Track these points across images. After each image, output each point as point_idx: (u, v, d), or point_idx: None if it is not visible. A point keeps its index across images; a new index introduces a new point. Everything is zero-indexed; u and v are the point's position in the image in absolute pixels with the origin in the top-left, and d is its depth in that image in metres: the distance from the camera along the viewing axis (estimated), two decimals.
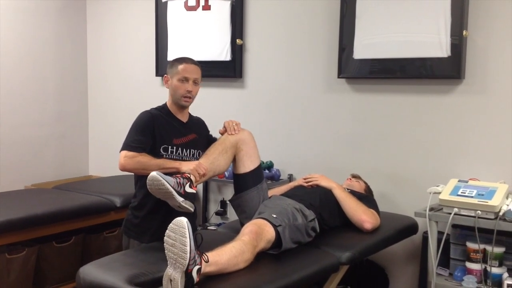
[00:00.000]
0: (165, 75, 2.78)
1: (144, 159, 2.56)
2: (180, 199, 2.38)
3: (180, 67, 2.71)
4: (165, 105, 2.80)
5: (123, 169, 2.61)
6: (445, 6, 3.06)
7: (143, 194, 2.67)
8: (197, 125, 2.89)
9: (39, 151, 4.45)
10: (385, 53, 3.28)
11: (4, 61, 4.15)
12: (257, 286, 2.11)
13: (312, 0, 3.60)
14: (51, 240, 3.38)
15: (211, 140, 2.89)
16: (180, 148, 2.71)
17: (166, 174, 2.42)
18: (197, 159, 2.77)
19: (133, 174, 2.74)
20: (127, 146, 2.62)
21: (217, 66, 3.98)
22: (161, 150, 2.66)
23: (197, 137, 2.81)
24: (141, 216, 2.69)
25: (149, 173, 2.45)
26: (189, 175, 2.47)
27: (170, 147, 2.68)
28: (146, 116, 2.69)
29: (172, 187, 2.35)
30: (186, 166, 2.53)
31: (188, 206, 2.41)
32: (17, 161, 4.27)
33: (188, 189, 2.42)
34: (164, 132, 2.67)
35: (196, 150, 2.78)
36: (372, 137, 3.43)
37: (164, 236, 2.02)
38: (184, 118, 2.80)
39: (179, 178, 2.41)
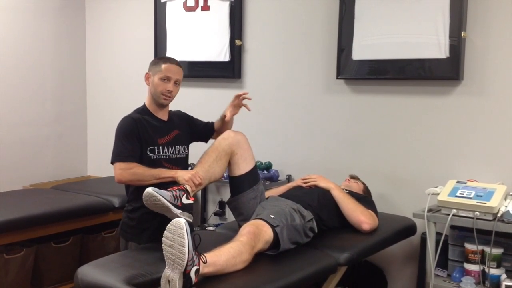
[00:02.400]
0: (147, 72, 2.78)
1: (139, 170, 2.57)
2: (177, 211, 2.37)
3: (164, 66, 2.73)
4: (144, 106, 2.80)
5: (119, 182, 2.63)
6: (444, 7, 3.06)
7: (135, 198, 2.67)
8: (177, 119, 2.89)
9: (37, 151, 4.45)
10: (384, 54, 3.28)
11: (2, 61, 4.15)
12: (255, 287, 2.11)
13: (311, 1, 3.60)
14: (49, 240, 3.37)
15: (196, 123, 2.93)
16: (166, 147, 2.72)
17: (162, 184, 2.44)
18: (183, 154, 2.79)
19: None
20: (118, 157, 2.62)
21: (216, 66, 3.98)
22: (148, 152, 2.66)
23: (180, 133, 2.82)
24: (137, 218, 2.69)
25: (145, 184, 2.46)
26: (185, 187, 2.47)
27: (156, 147, 2.69)
28: (129, 122, 2.68)
29: (169, 201, 2.35)
30: (182, 177, 2.52)
31: (186, 217, 2.39)
32: (16, 161, 4.27)
33: (185, 200, 2.42)
34: (147, 134, 2.68)
35: (181, 146, 2.79)
36: (370, 138, 3.43)
37: (162, 236, 2.02)
38: (164, 117, 2.80)
39: (175, 191, 2.41)
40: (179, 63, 2.81)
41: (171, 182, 2.53)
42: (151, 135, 2.69)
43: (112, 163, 2.65)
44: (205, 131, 2.98)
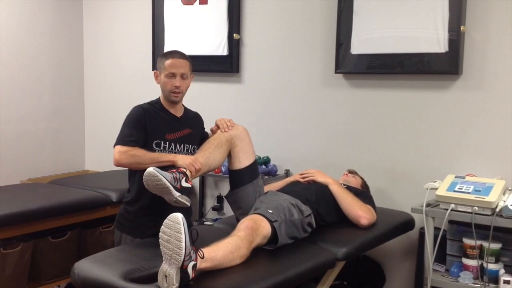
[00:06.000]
0: (155, 70, 2.76)
1: (139, 153, 2.55)
2: (176, 194, 2.37)
3: (167, 62, 2.68)
4: (158, 99, 2.77)
5: (117, 164, 2.60)
6: (443, 1, 3.05)
7: (136, 189, 2.66)
8: (193, 120, 2.86)
9: (35, 146, 4.44)
10: (383, 48, 3.26)
11: None
12: (253, 282, 2.10)
13: None
14: (47, 235, 3.36)
15: (204, 137, 2.87)
16: (173, 143, 2.69)
17: (161, 168, 2.41)
18: (192, 154, 2.75)
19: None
20: (120, 141, 2.61)
21: (214, 61, 3.96)
22: (154, 145, 2.64)
23: (192, 132, 2.79)
24: (135, 211, 2.68)
25: (143, 167, 2.44)
26: (184, 170, 2.46)
27: (162, 142, 2.66)
28: (138, 110, 2.67)
29: (169, 182, 2.34)
30: (182, 160, 2.52)
31: (185, 200, 2.41)
32: (13, 156, 4.26)
33: (184, 183, 2.42)
34: (156, 127, 2.65)
35: (190, 145, 2.76)
36: (369, 133, 3.43)
37: (159, 231, 2.01)
38: (178, 113, 2.78)
39: (175, 173, 2.40)
40: (184, 56, 2.76)
41: (169, 167, 2.51)
42: (159, 128, 2.66)
43: (114, 146, 2.62)
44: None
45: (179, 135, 2.73)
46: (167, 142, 2.68)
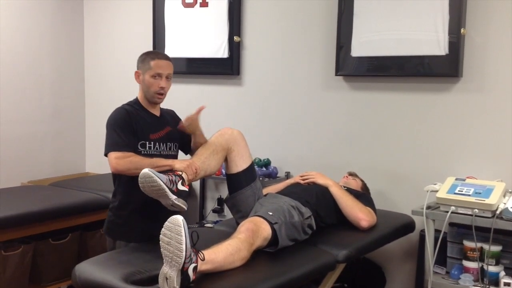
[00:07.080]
0: (136, 70, 2.71)
1: (136, 158, 2.51)
2: (173, 197, 2.33)
3: (153, 63, 2.65)
4: (136, 100, 2.74)
5: (115, 171, 2.56)
6: (443, 4, 3.05)
7: (123, 193, 2.64)
8: (170, 117, 2.84)
9: (35, 148, 4.44)
10: (383, 51, 3.27)
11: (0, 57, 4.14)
12: (254, 284, 2.11)
13: None
14: (48, 237, 3.37)
15: (184, 137, 2.82)
16: (157, 143, 2.67)
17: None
18: (174, 152, 2.75)
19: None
20: (113, 147, 2.56)
21: (214, 63, 3.97)
22: (139, 147, 2.62)
23: (172, 130, 2.77)
24: (126, 215, 2.64)
25: None
26: (181, 173, 2.44)
27: (147, 142, 2.64)
28: (122, 113, 2.63)
29: (165, 184, 2.31)
30: (179, 164, 2.50)
31: (181, 204, 2.36)
32: (14, 158, 4.26)
33: (180, 186, 2.38)
34: (140, 128, 2.63)
35: (173, 143, 2.75)
36: (369, 135, 3.43)
37: (156, 234, 2.01)
38: (157, 112, 2.76)
39: (171, 176, 2.37)
40: (167, 57, 2.75)
41: (166, 171, 2.49)
42: (143, 129, 2.64)
43: (106, 153, 2.58)
44: (187, 140, 2.87)
45: (161, 134, 2.71)
46: (152, 143, 2.66)
